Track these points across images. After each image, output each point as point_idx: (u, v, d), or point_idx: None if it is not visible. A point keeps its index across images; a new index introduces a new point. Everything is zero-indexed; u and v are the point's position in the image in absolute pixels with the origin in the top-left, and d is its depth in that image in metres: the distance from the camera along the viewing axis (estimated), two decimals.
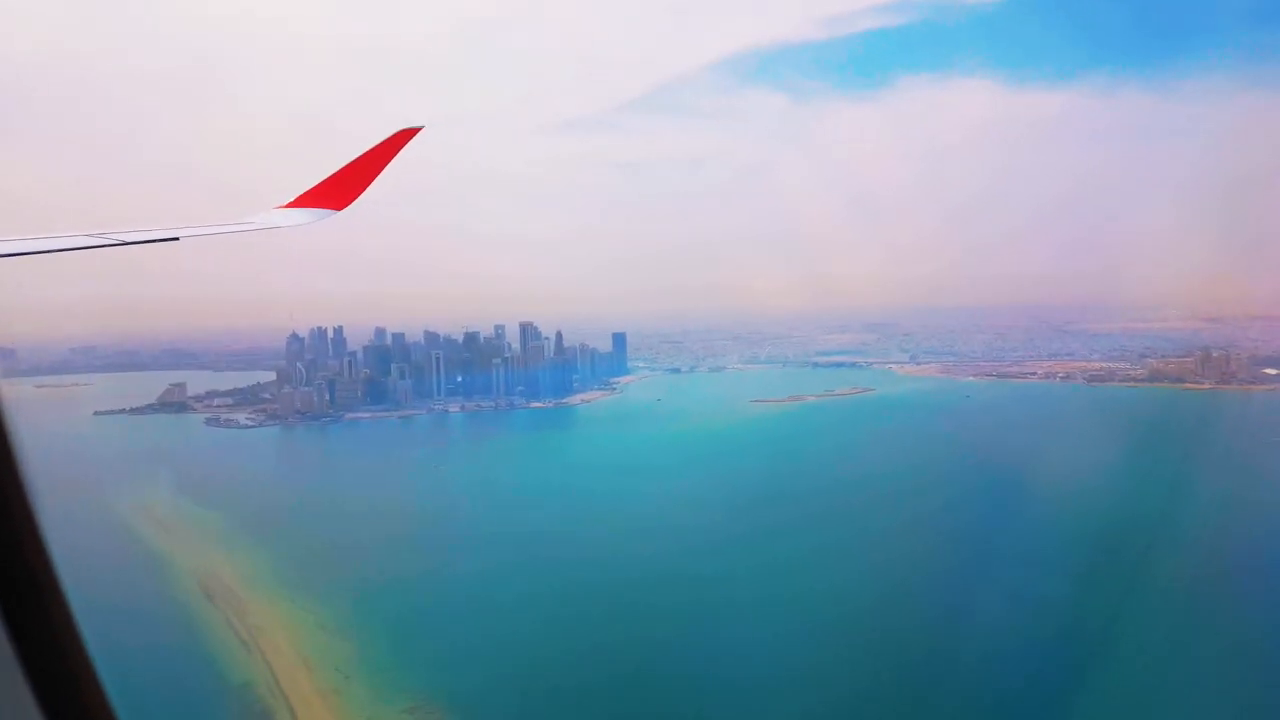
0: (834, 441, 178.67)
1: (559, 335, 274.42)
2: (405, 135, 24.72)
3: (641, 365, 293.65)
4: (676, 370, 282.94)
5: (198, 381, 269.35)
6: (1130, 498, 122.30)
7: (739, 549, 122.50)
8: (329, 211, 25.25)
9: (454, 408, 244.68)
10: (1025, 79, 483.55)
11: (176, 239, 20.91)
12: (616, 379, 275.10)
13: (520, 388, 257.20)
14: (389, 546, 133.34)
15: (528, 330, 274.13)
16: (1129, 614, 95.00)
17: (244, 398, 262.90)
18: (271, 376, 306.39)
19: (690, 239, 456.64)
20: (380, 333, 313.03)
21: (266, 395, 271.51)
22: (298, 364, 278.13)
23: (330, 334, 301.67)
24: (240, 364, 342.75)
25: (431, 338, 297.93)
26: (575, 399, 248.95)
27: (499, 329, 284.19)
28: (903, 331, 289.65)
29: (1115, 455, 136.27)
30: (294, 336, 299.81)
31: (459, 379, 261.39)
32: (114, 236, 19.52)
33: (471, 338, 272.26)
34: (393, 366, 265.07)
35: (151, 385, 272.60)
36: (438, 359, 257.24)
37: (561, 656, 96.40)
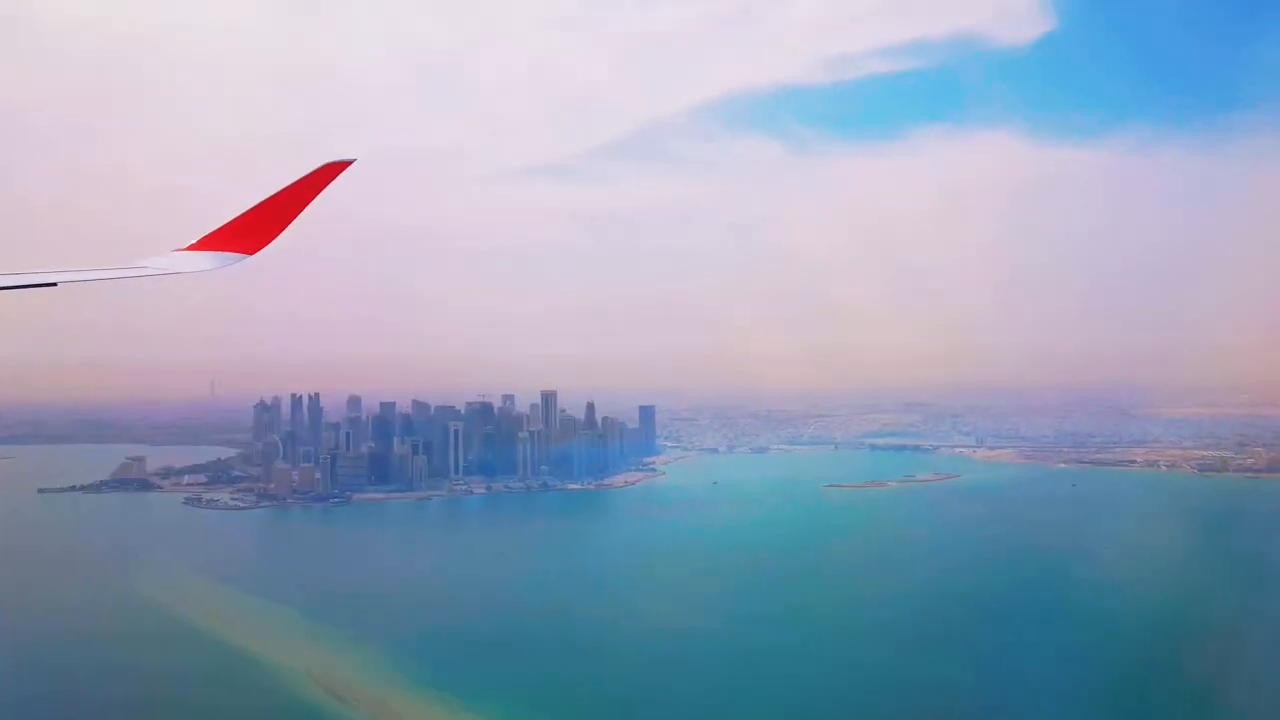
0: (954, 531, 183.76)
1: (590, 407, 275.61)
2: (333, 170, 23.21)
3: (669, 444, 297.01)
4: (714, 450, 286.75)
5: (131, 454, 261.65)
6: None
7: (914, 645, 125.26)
8: (240, 256, 23.81)
9: (478, 489, 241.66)
10: (1053, 133, 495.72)
11: (54, 284, 19.94)
12: (650, 459, 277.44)
13: (545, 466, 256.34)
14: (502, 639, 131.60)
15: (550, 401, 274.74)
16: None
17: (215, 475, 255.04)
18: (227, 451, 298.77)
19: (676, 303, 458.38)
20: (354, 401, 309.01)
21: (238, 472, 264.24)
22: (273, 437, 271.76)
23: (306, 402, 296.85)
24: (171, 436, 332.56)
25: (422, 408, 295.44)
26: (617, 480, 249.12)
27: (508, 399, 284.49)
28: (950, 412, 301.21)
29: None
30: (262, 405, 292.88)
31: (471, 456, 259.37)
32: None
33: (485, 409, 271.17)
34: (395, 440, 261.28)
35: (87, 459, 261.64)
36: (456, 432, 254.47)
37: None
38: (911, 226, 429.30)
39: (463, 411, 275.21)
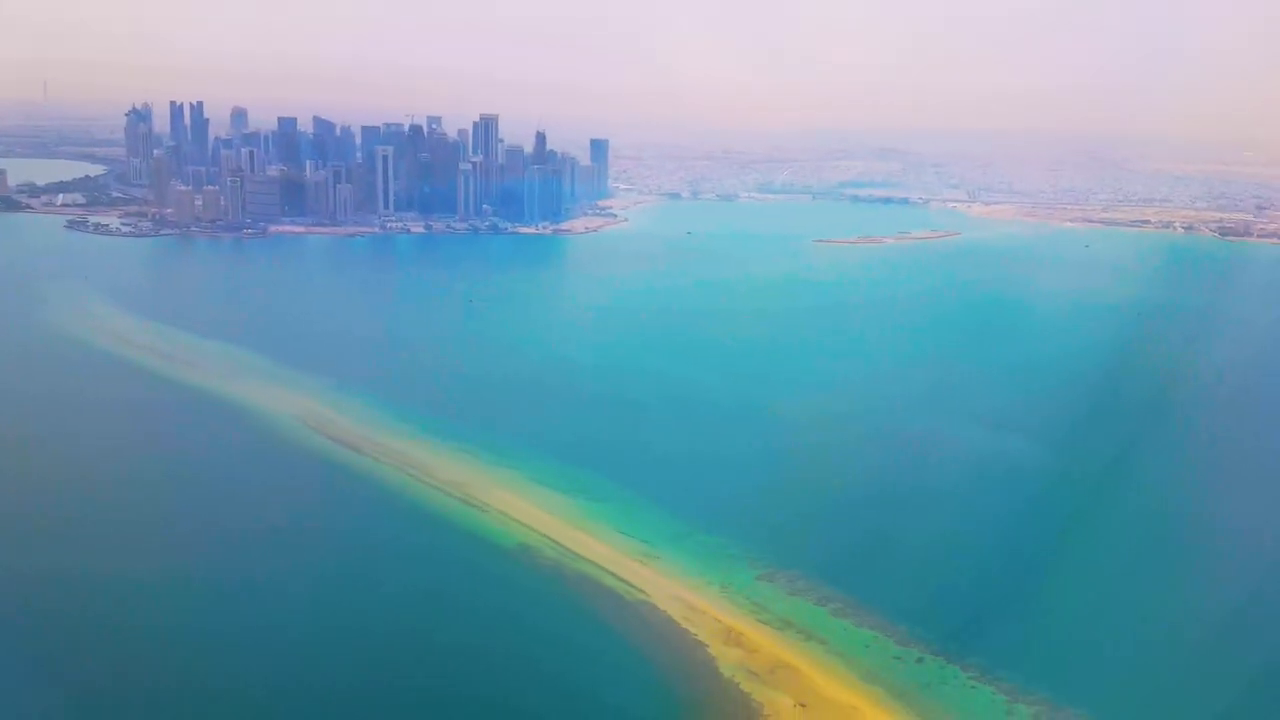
0: (972, 299, 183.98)
1: (540, 138, 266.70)
2: None
3: (621, 186, 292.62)
4: (676, 195, 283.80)
5: None
6: None
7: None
8: None
9: (415, 227, 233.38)
10: None
11: None
12: (605, 201, 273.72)
13: (488, 205, 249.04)
14: (507, 390, 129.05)
15: (489, 127, 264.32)
16: None
17: (93, 196, 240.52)
18: (93, 167, 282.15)
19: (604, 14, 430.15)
20: (239, 114, 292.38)
21: (117, 193, 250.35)
22: (158, 152, 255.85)
23: (188, 113, 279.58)
24: (13, 147, 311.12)
25: (326, 126, 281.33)
26: (576, 225, 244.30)
27: (434, 122, 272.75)
28: (931, 160, 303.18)
29: None
30: (135, 113, 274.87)
31: (400, 188, 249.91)
32: None
33: (414, 133, 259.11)
34: (308, 165, 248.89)
35: None
36: (385, 159, 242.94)
37: None
38: None
39: (383, 132, 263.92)
